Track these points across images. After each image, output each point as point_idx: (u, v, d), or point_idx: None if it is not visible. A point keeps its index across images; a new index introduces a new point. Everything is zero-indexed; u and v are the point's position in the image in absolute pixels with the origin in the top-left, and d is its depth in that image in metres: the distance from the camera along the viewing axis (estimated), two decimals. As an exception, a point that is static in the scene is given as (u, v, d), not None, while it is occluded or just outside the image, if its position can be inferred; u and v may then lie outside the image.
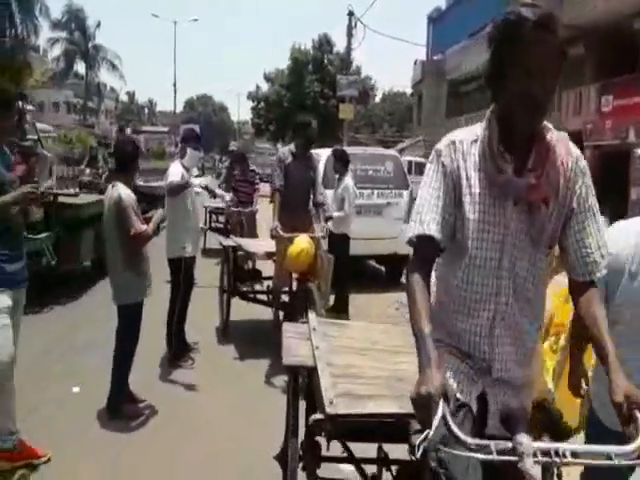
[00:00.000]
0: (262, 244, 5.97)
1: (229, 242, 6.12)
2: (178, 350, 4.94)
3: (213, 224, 11.37)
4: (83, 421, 3.81)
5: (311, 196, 5.31)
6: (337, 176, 6.83)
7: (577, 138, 17.68)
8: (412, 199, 8.48)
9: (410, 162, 20.78)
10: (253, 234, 8.00)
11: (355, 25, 24.28)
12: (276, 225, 4.84)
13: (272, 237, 5.03)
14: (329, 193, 7.46)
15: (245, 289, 6.04)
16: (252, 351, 5.24)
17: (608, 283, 1.93)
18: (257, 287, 6.21)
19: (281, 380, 4.36)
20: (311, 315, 2.88)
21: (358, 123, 37.99)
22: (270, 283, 5.84)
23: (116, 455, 3.41)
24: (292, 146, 5.24)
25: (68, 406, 4.03)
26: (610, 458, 1.30)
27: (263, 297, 5.95)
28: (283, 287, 5.41)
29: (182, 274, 4.85)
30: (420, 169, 21.58)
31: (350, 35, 24.70)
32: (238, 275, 5.95)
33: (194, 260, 5.19)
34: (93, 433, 3.69)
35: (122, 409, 3.90)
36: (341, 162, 6.75)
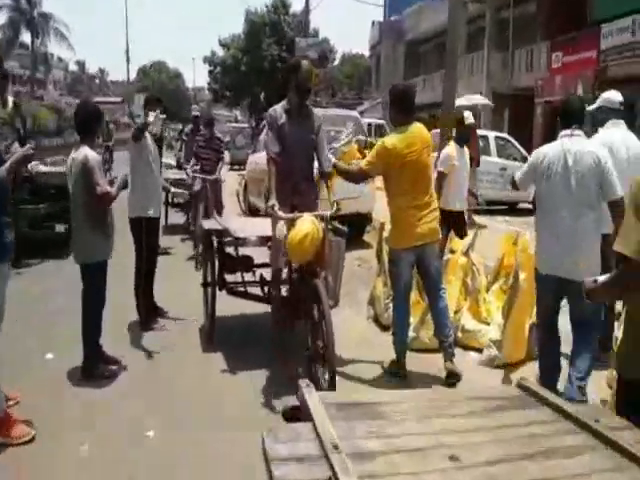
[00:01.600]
0: (255, 226, 4.89)
1: (212, 224, 4.98)
2: (148, 314, 5.03)
3: (176, 199, 10.46)
4: (56, 385, 3.89)
5: (315, 163, 4.21)
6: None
7: (529, 95, 18.10)
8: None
9: (370, 124, 20.86)
10: (219, 205, 7.87)
11: (311, -14, 23.83)
12: (273, 203, 3.80)
13: (268, 216, 4.07)
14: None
15: (234, 282, 4.94)
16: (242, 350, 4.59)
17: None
18: (248, 277, 5.02)
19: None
20: (317, 407, 1.60)
21: (318, 86, 37.61)
22: (263, 272, 4.83)
23: (89, 418, 3.49)
24: (285, 102, 4.13)
25: (42, 371, 4.10)
26: None
27: (256, 290, 4.84)
28: (280, 270, 4.29)
29: (144, 236, 4.88)
30: (380, 131, 21.73)
31: (307, -4, 24.28)
32: (225, 264, 4.84)
33: (157, 222, 5.20)
34: (67, 395, 3.78)
35: (96, 370, 4.00)
36: None
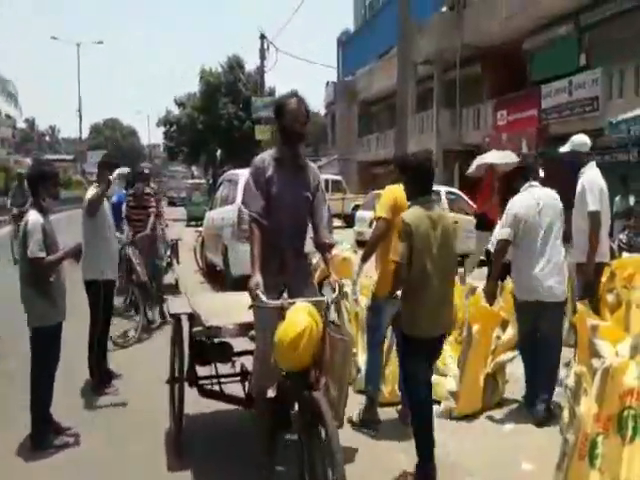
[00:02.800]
0: (232, 307, 3.79)
1: (180, 306, 4.01)
2: (101, 377, 4.88)
3: None
4: (3, 454, 3.69)
5: (309, 227, 3.38)
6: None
7: (477, 151, 18.94)
8: (329, 214, 8.79)
9: (327, 180, 21.31)
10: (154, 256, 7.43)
11: (267, 47, 24.71)
12: (256, 282, 2.97)
13: (252, 298, 3.00)
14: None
15: (207, 376, 3.98)
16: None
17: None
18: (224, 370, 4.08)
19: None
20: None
21: (275, 143, 38.31)
22: (245, 362, 3.99)
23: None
24: (274, 150, 3.36)
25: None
26: None
27: (234, 387, 3.97)
28: (269, 387, 3.39)
29: (100, 299, 4.82)
30: (336, 186, 22.20)
31: (262, 57, 25.12)
32: (197, 355, 3.87)
33: (113, 285, 5.17)
34: (14, 467, 3.59)
35: (47, 440, 3.81)
36: None
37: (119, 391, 4.82)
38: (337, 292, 3.05)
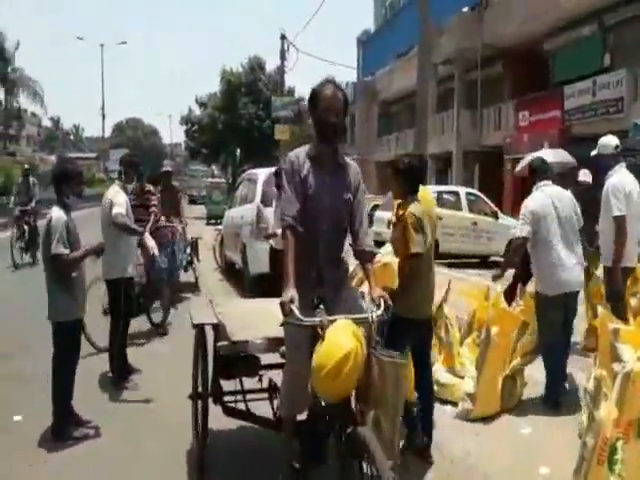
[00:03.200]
0: (261, 316, 3.49)
1: (204, 316, 3.56)
2: (121, 372, 4.95)
3: None
4: (25, 448, 3.77)
5: (347, 234, 2.99)
6: (277, 194, 7.00)
7: (498, 152, 18.80)
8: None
9: (345, 180, 21.32)
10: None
11: (288, 48, 24.79)
12: (290, 296, 2.54)
13: (284, 314, 2.55)
14: (269, 210, 7.68)
15: (233, 391, 3.59)
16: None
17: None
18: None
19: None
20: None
21: (294, 143, 38.47)
22: (274, 377, 3.56)
23: (59, 478, 3.41)
24: (309, 146, 2.95)
25: (9, 434, 3.97)
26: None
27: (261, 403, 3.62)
28: (300, 413, 2.98)
29: (122, 296, 4.88)
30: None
31: (283, 58, 25.19)
32: (221, 368, 3.50)
33: (134, 282, 5.26)
34: (36, 458, 3.66)
35: (67, 432, 3.89)
36: (280, 178, 6.93)
37: (138, 386, 4.88)
38: (383, 308, 2.56)
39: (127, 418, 4.29)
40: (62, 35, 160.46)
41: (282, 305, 2.52)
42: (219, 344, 3.36)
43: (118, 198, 4.92)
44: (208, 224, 20.12)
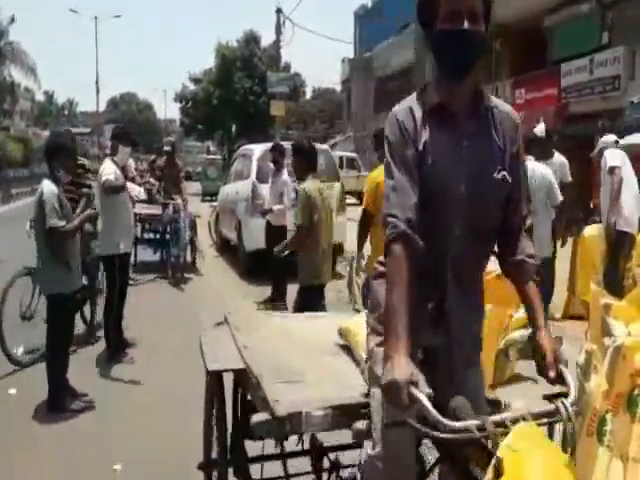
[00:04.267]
0: (312, 351, 2.30)
1: (222, 356, 2.32)
2: (116, 346, 4.98)
3: (145, 234, 9.46)
4: (20, 419, 3.80)
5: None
6: (272, 171, 6.98)
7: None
8: (343, 191, 8.76)
9: (341, 157, 21.21)
10: None
11: (284, 22, 24.43)
12: (410, 373, 1.39)
13: (398, 405, 1.38)
14: (265, 187, 7.65)
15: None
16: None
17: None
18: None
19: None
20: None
21: (289, 119, 38.19)
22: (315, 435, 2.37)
23: (56, 450, 3.45)
24: (427, 90, 1.70)
25: (3, 405, 4.01)
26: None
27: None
28: None
29: (116, 271, 4.89)
30: (351, 163, 22.09)
31: (279, 32, 24.82)
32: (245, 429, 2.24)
33: (129, 257, 5.26)
34: (32, 428, 3.71)
35: (62, 404, 3.92)
36: (279, 153, 6.93)
37: (134, 360, 4.91)
38: (574, 393, 1.56)
39: (122, 392, 4.32)
40: (55, 8, 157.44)
41: (392, 388, 1.38)
42: (254, 421, 1.91)
43: (106, 170, 4.91)
44: (203, 201, 20.05)
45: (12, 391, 4.22)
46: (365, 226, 4.30)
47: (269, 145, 9.00)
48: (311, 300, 4.23)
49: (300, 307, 4.14)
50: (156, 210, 8.55)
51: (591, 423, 2.72)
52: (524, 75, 17.78)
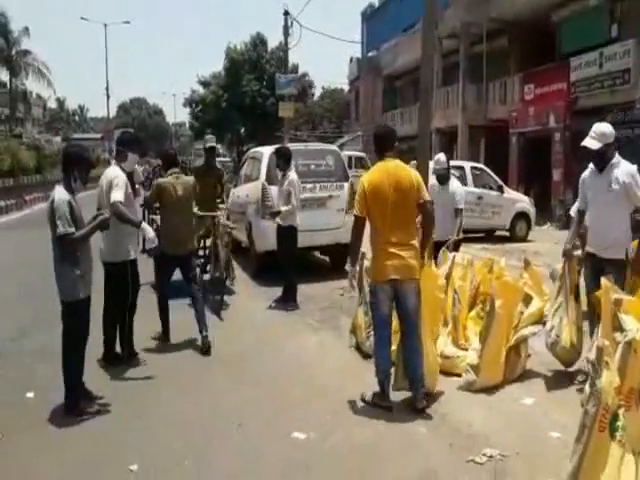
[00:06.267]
0: None
1: None
2: (130, 350, 5.03)
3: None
4: (37, 423, 3.85)
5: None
6: (281, 173, 7.01)
7: (504, 126, 18.62)
8: (352, 191, 8.77)
9: (350, 157, 21.21)
10: None
11: (291, 24, 24.50)
12: None
13: None
14: (274, 189, 7.70)
15: None
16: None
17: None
18: None
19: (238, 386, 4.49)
20: None
21: (298, 120, 38.24)
22: None
23: (72, 452, 3.50)
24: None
25: (21, 409, 4.07)
26: None
27: None
28: None
29: (127, 278, 4.84)
30: (360, 163, 22.07)
31: (287, 34, 24.91)
32: None
33: (136, 262, 5.23)
34: (48, 432, 3.76)
35: (78, 407, 3.97)
36: (283, 159, 6.94)
37: (147, 362, 4.96)
38: None
39: (135, 395, 4.37)
40: (66, 15, 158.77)
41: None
42: None
43: (118, 181, 4.68)
44: (214, 203, 20.16)
45: (30, 394, 4.29)
46: (357, 231, 4.16)
47: (274, 148, 9.04)
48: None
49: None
50: None
51: (603, 419, 2.71)
52: (533, 70, 17.68)
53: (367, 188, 3.97)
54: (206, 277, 7.12)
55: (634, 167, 4.23)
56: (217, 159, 35.94)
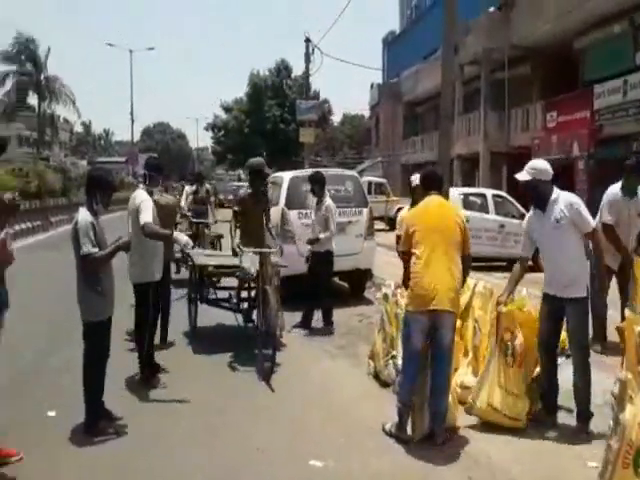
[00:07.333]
0: None
1: None
2: (150, 371, 5.07)
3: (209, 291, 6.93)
4: (57, 442, 3.88)
5: None
6: (316, 199, 7.05)
7: (526, 153, 18.56)
8: (371, 217, 8.80)
9: (370, 182, 21.32)
10: None
11: (312, 51, 24.91)
12: None
13: None
14: (293, 213, 7.75)
15: None
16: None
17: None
18: None
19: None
20: None
21: (318, 146, 38.61)
22: None
23: (90, 472, 3.52)
24: None
25: (42, 427, 4.10)
26: None
27: None
28: None
29: (150, 299, 4.95)
30: (379, 189, 22.14)
31: (308, 61, 25.31)
32: None
33: (163, 282, 5.36)
34: (67, 452, 3.78)
35: (97, 427, 4.01)
36: (319, 184, 6.98)
37: (166, 385, 4.99)
38: None
39: (154, 416, 4.39)
40: (92, 42, 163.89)
41: None
42: None
43: (145, 204, 4.86)
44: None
45: (51, 413, 4.33)
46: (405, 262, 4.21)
47: (298, 172, 9.12)
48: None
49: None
50: (227, 259, 6.40)
51: (627, 455, 2.65)
52: (556, 98, 17.66)
53: (410, 222, 4.07)
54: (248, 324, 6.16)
55: (573, 195, 4.13)
56: (238, 183, 35.93)
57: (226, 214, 24.62)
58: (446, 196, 7.41)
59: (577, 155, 16.02)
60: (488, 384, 4.07)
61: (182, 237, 4.94)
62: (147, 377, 5.02)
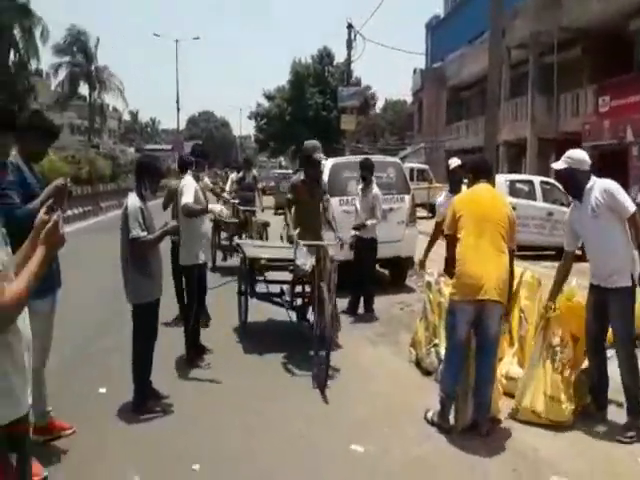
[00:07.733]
0: None
1: None
2: (195, 352, 5.19)
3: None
4: (107, 418, 4.03)
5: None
6: (361, 186, 7.07)
7: (576, 139, 17.96)
8: (413, 204, 8.69)
9: (412, 169, 21.03)
10: None
11: (355, 37, 24.70)
12: None
13: None
14: (334, 201, 7.76)
15: None
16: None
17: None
18: None
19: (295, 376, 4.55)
20: None
21: (360, 133, 38.36)
22: None
23: (137, 449, 3.63)
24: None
25: (93, 404, 4.27)
26: None
27: None
28: None
29: (195, 280, 5.12)
30: (421, 175, 21.83)
31: (350, 47, 25.13)
32: None
33: (206, 266, 5.47)
34: (117, 428, 3.92)
35: (145, 405, 4.13)
36: (368, 170, 7.03)
37: (211, 365, 5.10)
38: None
39: (199, 397, 4.48)
40: (140, 32, 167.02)
41: None
42: None
43: (187, 187, 5.10)
44: (276, 214, 20.47)
45: (102, 390, 4.50)
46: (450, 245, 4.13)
47: (339, 159, 9.08)
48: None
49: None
50: (280, 252, 6.07)
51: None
52: (608, 81, 16.97)
53: (458, 207, 4.02)
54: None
55: (609, 181, 3.89)
56: (280, 170, 36.14)
57: (269, 201, 24.95)
58: (493, 181, 7.29)
59: (631, 141, 15.38)
60: (532, 391, 3.96)
61: (216, 206, 5.39)
62: (192, 358, 5.14)
